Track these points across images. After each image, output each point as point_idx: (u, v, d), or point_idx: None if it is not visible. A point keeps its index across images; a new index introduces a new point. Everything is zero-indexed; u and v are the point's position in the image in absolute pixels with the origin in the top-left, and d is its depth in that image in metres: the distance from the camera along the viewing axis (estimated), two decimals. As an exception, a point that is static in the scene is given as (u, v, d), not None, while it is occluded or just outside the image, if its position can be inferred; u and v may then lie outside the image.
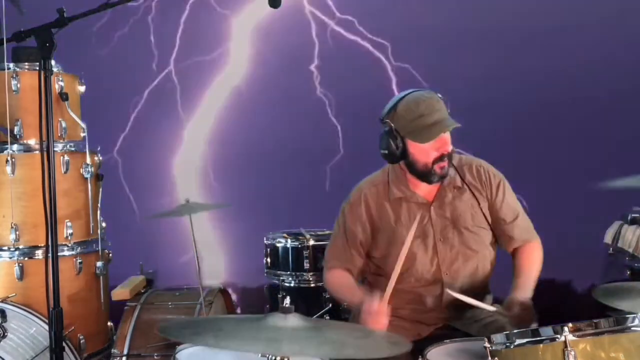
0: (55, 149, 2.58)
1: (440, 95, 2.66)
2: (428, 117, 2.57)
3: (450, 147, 2.63)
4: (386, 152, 2.65)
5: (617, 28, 4.95)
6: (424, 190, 2.71)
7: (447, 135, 2.61)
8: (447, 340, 2.39)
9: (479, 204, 2.71)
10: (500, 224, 2.75)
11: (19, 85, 3.24)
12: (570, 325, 1.91)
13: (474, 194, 2.71)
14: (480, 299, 2.75)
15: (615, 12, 4.98)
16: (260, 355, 1.98)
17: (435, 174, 2.63)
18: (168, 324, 1.80)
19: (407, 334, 2.64)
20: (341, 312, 3.50)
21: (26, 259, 3.23)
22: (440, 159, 2.61)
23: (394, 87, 5.07)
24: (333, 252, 2.85)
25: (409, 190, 2.71)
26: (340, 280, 2.79)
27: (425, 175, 2.65)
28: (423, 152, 2.61)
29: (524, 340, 1.97)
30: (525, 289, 2.61)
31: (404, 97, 2.65)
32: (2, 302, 3.05)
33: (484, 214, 2.71)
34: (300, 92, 5.28)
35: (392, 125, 2.62)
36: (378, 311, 2.41)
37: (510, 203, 2.77)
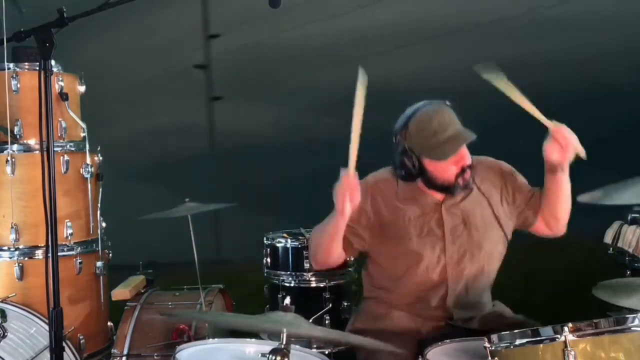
0: (55, 149, 2.57)
1: (448, 103, 2.63)
2: (442, 133, 2.54)
3: (469, 159, 2.59)
4: (403, 172, 2.64)
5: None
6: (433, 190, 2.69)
7: (464, 148, 2.58)
8: (447, 340, 2.39)
9: (490, 203, 2.70)
10: (522, 205, 2.74)
11: (19, 85, 3.24)
12: (570, 325, 1.91)
13: (483, 194, 2.70)
14: (483, 302, 2.75)
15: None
16: (260, 355, 1.98)
17: (458, 187, 2.61)
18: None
19: (407, 331, 2.65)
20: (341, 312, 3.50)
21: (26, 259, 3.23)
22: (462, 172, 2.59)
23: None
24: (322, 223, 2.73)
25: (418, 190, 2.69)
26: (320, 228, 2.70)
27: (447, 189, 2.63)
28: (442, 169, 2.59)
29: (524, 340, 1.97)
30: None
31: (414, 113, 2.61)
32: (2, 302, 3.05)
33: (494, 214, 2.70)
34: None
35: (406, 144, 2.60)
36: (347, 182, 2.42)
37: (525, 186, 2.76)
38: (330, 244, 2.65)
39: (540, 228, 2.77)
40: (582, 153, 2.48)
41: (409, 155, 2.60)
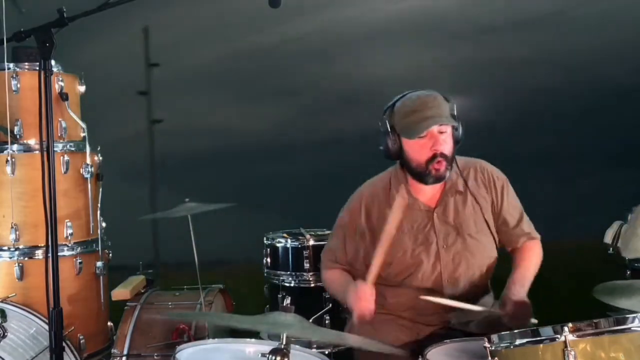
0: (55, 149, 2.57)
1: (445, 97, 2.63)
2: (420, 113, 2.54)
3: (444, 148, 2.56)
4: (382, 149, 2.65)
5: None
6: (426, 196, 2.67)
7: (442, 136, 2.56)
8: (447, 340, 2.39)
9: (481, 208, 2.67)
10: (503, 226, 2.73)
11: (19, 85, 3.24)
12: (570, 325, 1.91)
13: (476, 199, 2.67)
14: (478, 300, 2.74)
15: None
16: (260, 355, 1.98)
17: (429, 174, 2.58)
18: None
19: (406, 334, 2.64)
20: (341, 313, 3.49)
21: (26, 259, 3.22)
22: (433, 158, 2.56)
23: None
24: (330, 255, 2.83)
25: (411, 196, 2.66)
26: (336, 277, 2.79)
27: (419, 175, 2.61)
28: (416, 150, 2.58)
29: (524, 340, 1.97)
30: (520, 286, 2.59)
31: (404, 95, 2.64)
32: (2, 302, 3.05)
33: (486, 220, 2.68)
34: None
35: (388, 122, 2.63)
36: (363, 294, 2.45)
37: (513, 205, 2.75)
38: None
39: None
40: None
41: (390, 133, 2.61)
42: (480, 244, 2.67)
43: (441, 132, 2.56)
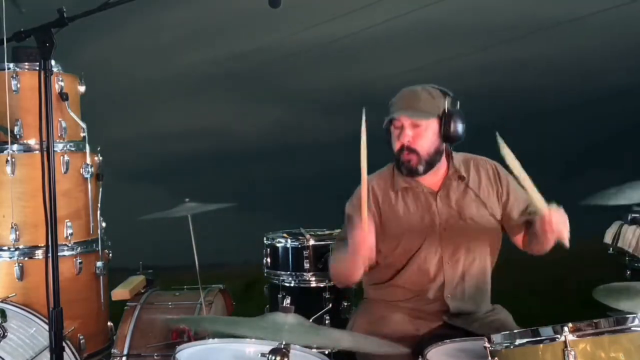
0: (55, 149, 2.57)
1: (442, 90, 2.66)
2: (394, 106, 2.65)
3: (413, 141, 2.61)
4: (387, 142, 2.74)
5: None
6: (428, 180, 2.72)
7: (417, 130, 2.61)
8: (447, 340, 2.39)
9: (482, 199, 2.71)
10: (509, 217, 2.73)
11: (19, 85, 3.24)
12: (570, 325, 1.91)
13: (477, 191, 2.71)
14: (480, 297, 2.75)
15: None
16: (260, 355, 1.98)
17: (402, 164, 2.66)
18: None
19: (406, 331, 2.65)
20: (341, 313, 3.49)
21: (26, 259, 3.23)
22: (401, 149, 2.64)
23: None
24: (340, 246, 2.80)
25: (413, 180, 2.72)
26: (339, 255, 2.73)
27: (397, 163, 2.70)
28: (392, 140, 2.69)
29: (524, 340, 1.97)
30: None
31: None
32: (2, 302, 3.05)
33: (489, 210, 2.72)
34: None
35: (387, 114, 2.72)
36: (361, 233, 2.40)
37: (518, 196, 2.73)
38: (351, 275, 2.67)
39: (517, 241, 2.79)
40: (566, 243, 2.47)
41: (387, 125, 2.70)
42: (482, 229, 2.71)
43: (415, 126, 2.62)
